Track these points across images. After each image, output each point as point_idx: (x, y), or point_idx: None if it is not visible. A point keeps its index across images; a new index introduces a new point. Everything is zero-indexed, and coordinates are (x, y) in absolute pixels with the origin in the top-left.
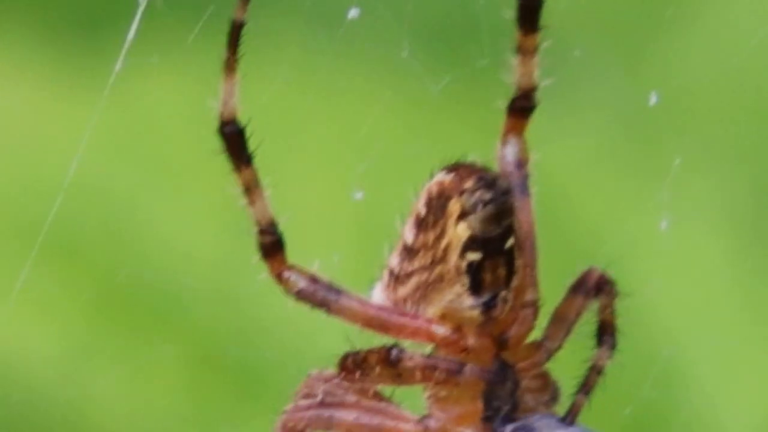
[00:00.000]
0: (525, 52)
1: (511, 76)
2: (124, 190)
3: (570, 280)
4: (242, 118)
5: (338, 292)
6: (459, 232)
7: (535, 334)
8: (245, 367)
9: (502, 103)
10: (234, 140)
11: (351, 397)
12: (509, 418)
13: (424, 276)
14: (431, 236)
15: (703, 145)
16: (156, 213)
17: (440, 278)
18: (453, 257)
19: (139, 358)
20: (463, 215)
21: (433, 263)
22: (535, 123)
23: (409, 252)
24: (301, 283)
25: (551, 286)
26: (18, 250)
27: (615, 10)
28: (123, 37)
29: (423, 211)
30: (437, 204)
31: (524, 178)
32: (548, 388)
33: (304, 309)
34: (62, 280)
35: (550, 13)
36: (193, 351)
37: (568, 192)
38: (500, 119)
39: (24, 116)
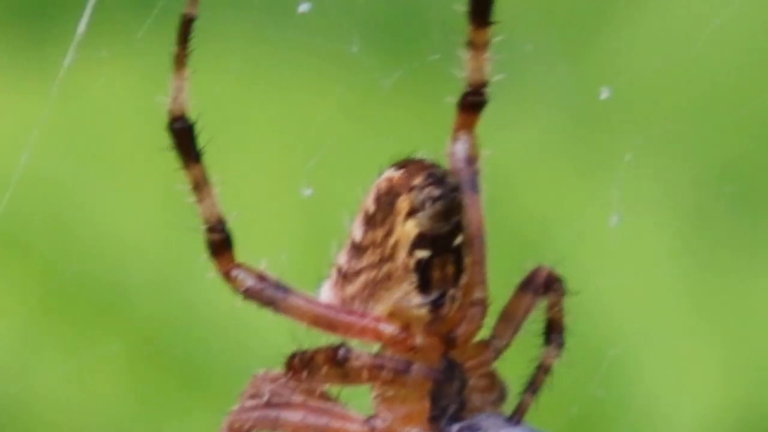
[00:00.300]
0: (476, 46)
1: (462, 71)
2: (72, 184)
3: (518, 277)
4: (192, 114)
5: (286, 290)
6: (407, 229)
7: (483, 333)
8: (190, 360)
9: (452, 99)
10: (183, 136)
11: (297, 397)
12: (456, 418)
13: (372, 274)
14: (380, 233)
15: (652, 140)
16: (103, 207)
17: (388, 276)
18: (401, 255)
19: (85, 352)
20: (411, 212)
21: (382, 261)
22: (487, 117)
23: (358, 249)
24: (249, 282)
25: (498, 283)
26: None
27: (566, 3)
28: (73, 29)
29: (372, 208)
30: (386, 201)
31: (474, 175)
32: (495, 387)
33: (250, 305)
34: (8, 275)
35: (501, 8)
36: (138, 344)
37: (518, 187)
38: (451, 115)
39: None
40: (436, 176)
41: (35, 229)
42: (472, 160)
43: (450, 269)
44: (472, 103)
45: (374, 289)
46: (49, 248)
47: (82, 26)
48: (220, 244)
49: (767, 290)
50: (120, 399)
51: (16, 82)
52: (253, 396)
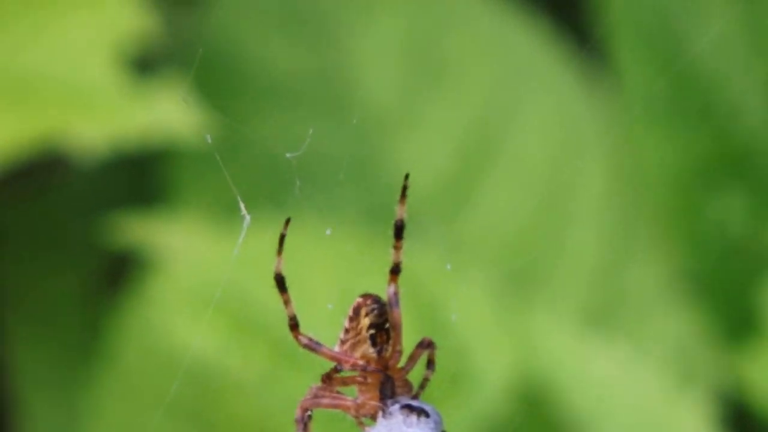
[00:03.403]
0: (396, 248)
1: (390, 257)
2: (249, 284)
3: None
4: (282, 269)
5: (319, 345)
6: (365, 322)
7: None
8: None
9: (386, 268)
10: (280, 282)
11: (326, 392)
12: (391, 397)
13: (353, 341)
14: (355, 324)
15: None
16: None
17: (359, 341)
18: (363, 332)
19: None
20: (366, 315)
21: (356, 335)
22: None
23: (346, 331)
24: (305, 341)
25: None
26: None
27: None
28: (242, 219)
29: (351, 314)
30: (356, 311)
31: (397, 300)
32: (408, 386)
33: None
34: None
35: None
36: None
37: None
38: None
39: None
40: (377, 300)
41: None
42: (396, 294)
43: (385, 337)
44: (395, 271)
45: (353, 347)
46: None
47: (246, 221)
48: (294, 326)
49: None
50: None
51: (220, 238)
52: (309, 394)
